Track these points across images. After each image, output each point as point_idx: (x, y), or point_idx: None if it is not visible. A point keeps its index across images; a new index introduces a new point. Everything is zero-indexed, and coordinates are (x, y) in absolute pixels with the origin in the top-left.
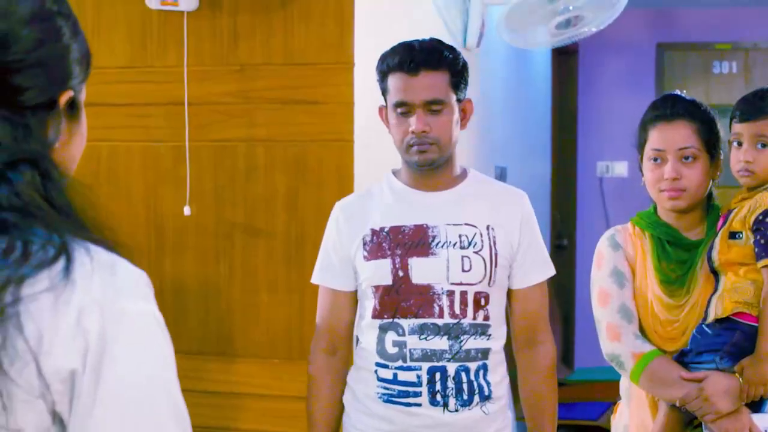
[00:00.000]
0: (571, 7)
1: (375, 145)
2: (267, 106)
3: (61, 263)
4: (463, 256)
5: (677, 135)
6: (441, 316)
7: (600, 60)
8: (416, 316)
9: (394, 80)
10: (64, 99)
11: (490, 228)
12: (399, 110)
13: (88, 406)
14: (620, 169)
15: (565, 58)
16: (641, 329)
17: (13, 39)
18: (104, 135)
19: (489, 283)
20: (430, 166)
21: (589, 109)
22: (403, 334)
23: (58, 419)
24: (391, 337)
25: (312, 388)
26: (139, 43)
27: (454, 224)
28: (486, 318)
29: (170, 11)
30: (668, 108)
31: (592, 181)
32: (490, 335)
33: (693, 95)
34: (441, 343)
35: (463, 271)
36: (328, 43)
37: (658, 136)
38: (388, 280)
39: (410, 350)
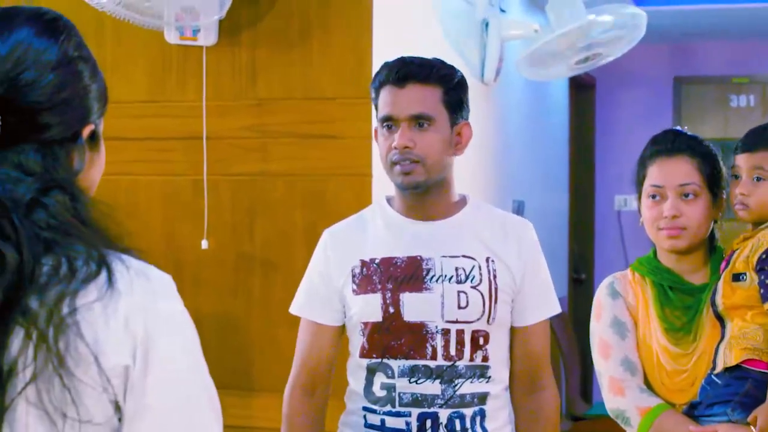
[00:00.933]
0: (591, 46)
1: None
2: (285, 141)
3: (104, 275)
4: (459, 292)
5: (677, 170)
6: (434, 357)
7: (617, 94)
8: (407, 357)
9: (383, 94)
10: (86, 132)
11: (490, 260)
12: (385, 125)
13: (140, 395)
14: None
15: (582, 91)
16: (646, 382)
17: (40, 83)
18: (123, 169)
19: (488, 321)
20: (415, 190)
21: (607, 142)
22: (393, 377)
23: (117, 408)
24: (379, 379)
25: (285, 430)
26: (159, 77)
27: (450, 256)
28: (485, 359)
29: (189, 46)
30: (668, 143)
31: (610, 214)
32: (489, 377)
33: (710, 129)
34: (433, 387)
35: (460, 307)
36: (346, 77)
37: (657, 172)
38: (377, 317)
39: (399, 394)
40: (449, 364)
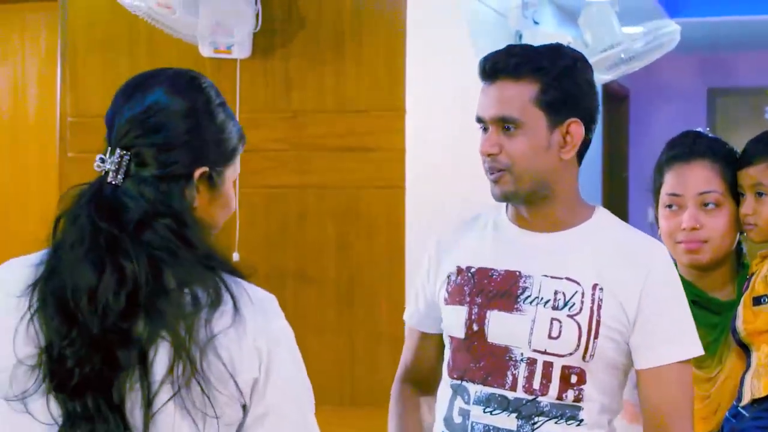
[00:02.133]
0: (624, 56)
1: (427, 191)
2: (318, 153)
3: (230, 302)
4: (553, 319)
5: (697, 177)
6: (513, 388)
7: (651, 106)
8: (484, 383)
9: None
10: (197, 173)
11: (598, 288)
12: (479, 126)
13: (262, 397)
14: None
15: (616, 104)
16: None
17: (167, 127)
18: None
19: (585, 357)
20: (507, 201)
21: (641, 154)
22: (468, 402)
23: (244, 408)
24: (458, 403)
25: (390, 418)
26: None
27: (552, 277)
28: (577, 399)
29: (223, 59)
30: (686, 146)
31: (643, 227)
32: (581, 421)
33: (745, 140)
34: (508, 421)
35: (550, 337)
36: (379, 90)
37: (674, 179)
38: (460, 333)
39: (473, 423)
40: (530, 398)
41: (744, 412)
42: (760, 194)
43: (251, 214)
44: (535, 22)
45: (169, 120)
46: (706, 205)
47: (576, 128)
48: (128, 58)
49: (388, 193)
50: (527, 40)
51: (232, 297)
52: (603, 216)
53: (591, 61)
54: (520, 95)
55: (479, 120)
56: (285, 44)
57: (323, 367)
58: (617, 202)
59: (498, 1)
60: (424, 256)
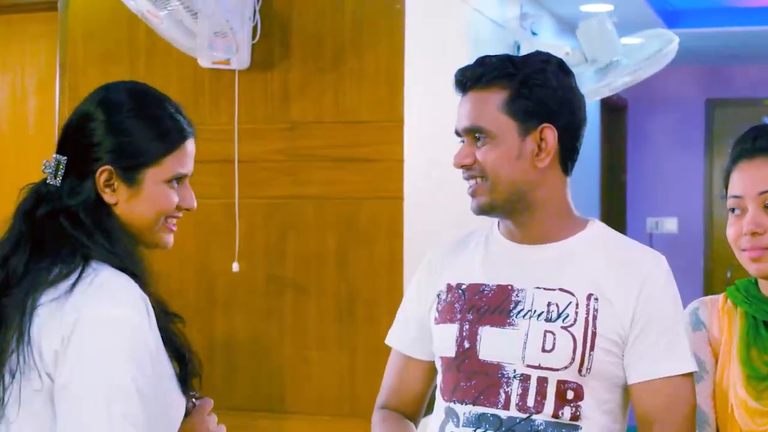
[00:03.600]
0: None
1: (426, 202)
2: (317, 164)
3: (72, 280)
4: (546, 332)
5: (758, 175)
6: (506, 407)
7: (649, 116)
8: (474, 403)
9: None
10: (99, 173)
11: (593, 298)
12: (459, 140)
13: (61, 373)
14: (670, 225)
15: (614, 113)
16: None
17: (67, 135)
18: None
19: (581, 371)
20: (485, 214)
21: (639, 164)
22: (458, 425)
23: (51, 379)
24: (449, 427)
25: None
26: (191, 101)
27: (545, 288)
28: (575, 417)
29: (222, 69)
30: (748, 142)
31: (641, 237)
32: None
33: None
34: None
35: (544, 350)
36: (378, 101)
37: (736, 180)
38: (451, 351)
39: None
40: (524, 416)
41: None
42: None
43: (250, 224)
44: (534, 33)
45: (70, 128)
46: None
47: (550, 134)
48: (128, 69)
49: (387, 204)
50: (525, 50)
51: (78, 278)
52: (598, 228)
53: (590, 86)
54: (488, 104)
55: (456, 133)
56: (284, 56)
57: (322, 378)
58: (615, 212)
59: (497, 12)
60: (414, 277)
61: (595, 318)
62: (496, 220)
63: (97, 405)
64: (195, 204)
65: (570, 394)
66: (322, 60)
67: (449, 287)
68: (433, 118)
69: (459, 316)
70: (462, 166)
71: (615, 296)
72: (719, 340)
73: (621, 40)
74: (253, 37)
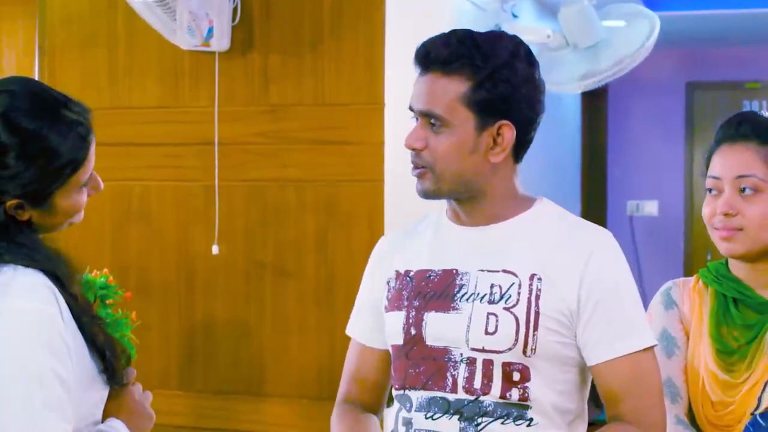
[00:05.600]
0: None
1: (406, 185)
2: (298, 147)
3: None
4: (489, 313)
5: (736, 160)
6: (454, 390)
7: (629, 99)
8: (424, 388)
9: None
10: (8, 205)
11: (536, 278)
12: (411, 116)
13: None
14: (650, 208)
15: (594, 97)
16: (690, 411)
17: None
18: (136, 174)
19: (525, 352)
20: (427, 198)
21: (619, 148)
22: (410, 410)
23: None
24: (402, 413)
25: None
26: (171, 83)
27: (488, 270)
28: (523, 398)
29: (202, 52)
30: (732, 128)
31: (622, 220)
32: (531, 421)
33: None
34: (450, 424)
35: (487, 333)
36: (358, 84)
37: (716, 162)
38: (399, 339)
39: (416, 431)
40: (471, 398)
41: (762, 421)
42: (745, 189)
43: (230, 207)
44: (515, 16)
45: None
46: (743, 190)
47: (507, 131)
48: (107, 53)
49: (367, 186)
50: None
51: None
52: (544, 206)
53: (568, 56)
54: (447, 92)
55: (410, 109)
56: (264, 38)
57: (302, 361)
58: (595, 195)
59: None
60: (367, 266)
61: (538, 298)
62: (445, 204)
63: (14, 396)
64: (102, 186)
65: (516, 376)
66: (303, 43)
67: (398, 274)
68: None
69: (406, 303)
70: (413, 149)
71: (558, 275)
72: (689, 318)
73: (603, 23)
74: (233, 20)
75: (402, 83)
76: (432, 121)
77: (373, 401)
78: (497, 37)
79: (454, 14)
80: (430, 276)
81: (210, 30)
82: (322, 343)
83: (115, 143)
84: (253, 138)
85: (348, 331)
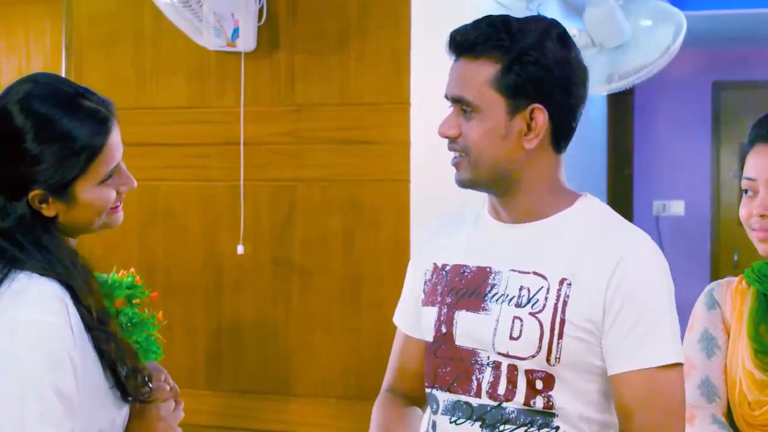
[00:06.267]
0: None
1: (431, 184)
2: (323, 146)
3: None
4: (515, 317)
5: None
6: (477, 394)
7: (656, 99)
8: (450, 390)
9: None
10: (32, 195)
11: (565, 283)
12: (448, 105)
13: None
14: (677, 207)
15: (620, 97)
16: (729, 411)
17: (16, 160)
18: (162, 174)
19: (549, 360)
20: (465, 188)
21: (645, 148)
22: (437, 412)
23: None
24: (430, 414)
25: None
26: (197, 83)
27: (519, 271)
28: (548, 406)
29: (228, 52)
30: (764, 127)
31: (648, 220)
32: (556, 430)
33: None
34: (472, 431)
35: (511, 337)
36: (384, 83)
37: (750, 162)
38: (430, 336)
39: None
40: (494, 404)
41: None
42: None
43: (256, 207)
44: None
45: None
46: None
47: (540, 115)
48: (133, 53)
49: (393, 186)
50: None
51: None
52: (586, 204)
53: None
54: (477, 76)
55: (446, 97)
56: (289, 38)
57: (328, 361)
58: (622, 194)
59: None
60: (412, 255)
61: (565, 304)
62: (487, 197)
63: (9, 409)
64: (134, 184)
65: (539, 384)
66: (328, 42)
67: (435, 267)
68: (439, 99)
69: (439, 299)
70: (446, 137)
71: (588, 280)
72: (730, 318)
73: (628, 21)
74: (259, 20)
75: (428, 82)
76: (464, 107)
77: (417, 391)
78: (530, 19)
79: (480, 13)
80: (464, 272)
81: (236, 30)
82: (349, 342)
83: (140, 143)
84: (278, 138)
85: (394, 319)
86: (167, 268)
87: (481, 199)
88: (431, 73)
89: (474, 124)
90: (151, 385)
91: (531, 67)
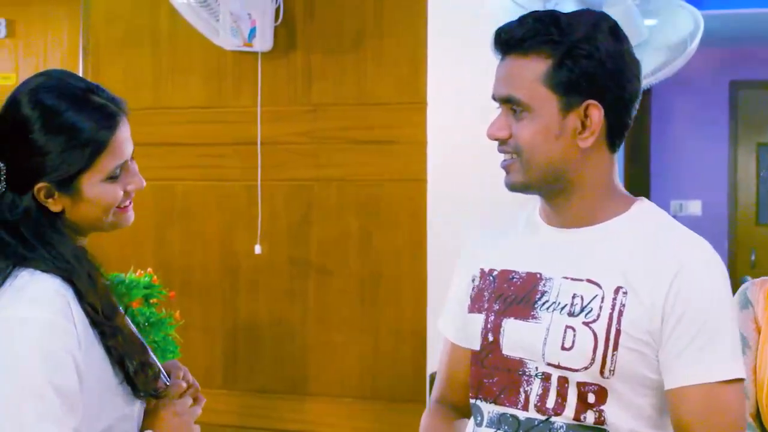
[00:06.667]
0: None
1: (448, 184)
2: (340, 146)
3: None
4: (567, 327)
5: None
6: (525, 407)
7: (673, 98)
8: (496, 401)
9: None
10: (37, 188)
11: (621, 292)
12: (496, 106)
13: None
14: (694, 207)
15: None
16: (758, 413)
17: (22, 152)
18: (179, 174)
19: (603, 372)
20: (516, 191)
21: (662, 147)
22: (481, 425)
23: None
24: (473, 426)
25: None
26: (214, 83)
27: (572, 278)
28: (600, 421)
29: (245, 52)
30: None
31: None
32: None
33: (766, 134)
34: None
35: (563, 348)
36: (401, 83)
37: None
38: (476, 344)
39: None
40: (542, 418)
41: None
42: None
43: (272, 207)
44: None
45: (4, 135)
46: None
47: (595, 112)
48: (150, 53)
49: (410, 185)
50: None
51: (2, 283)
52: (642, 209)
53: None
54: (527, 74)
55: (493, 98)
56: (306, 38)
57: (345, 360)
58: (639, 194)
59: None
60: (458, 261)
61: (620, 314)
62: (539, 200)
63: (8, 408)
64: (143, 184)
65: (591, 398)
66: (345, 42)
67: (482, 272)
68: (456, 99)
69: (486, 305)
70: (495, 139)
71: (645, 289)
72: (762, 318)
73: (645, 21)
74: (276, 20)
75: (444, 82)
76: (513, 107)
77: (466, 402)
78: (578, 12)
79: (496, 13)
80: (513, 278)
81: (252, 30)
82: (365, 341)
83: (157, 143)
84: (295, 137)
85: (440, 328)
86: (184, 267)
87: (490, 206)
88: (448, 72)
89: (525, 123)
90: (166, 380)
91: (584, 61)
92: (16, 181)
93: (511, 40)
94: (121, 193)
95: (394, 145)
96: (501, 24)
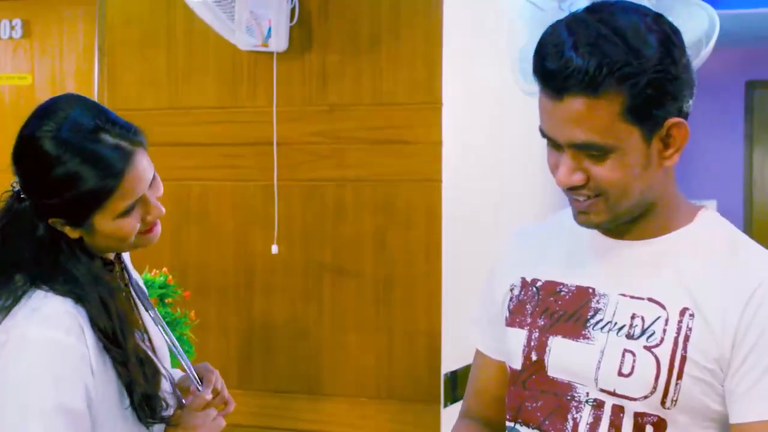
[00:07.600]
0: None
1: (464, 185)
2: (355, 146)
3: (8, 303)
4: (626, 350)
5: None
6: None
7: None
8: (540, 428)
9: (539, 96)
10: (51, 221)
11: (687, 314)
12: (546, 138)
13: None
14: (709, 207)
15: None
16: None
17: (20, 175)
18: (195, 174)
19: (664, 403)
20: (598, 228)
21: None
22: None
23: None
24: None
25: None
26: (230, 83)
27: (631, 297)
28: None
29: (260, 52)
30: None
31: None
32: None
33: None
34: None
35: (621, 374)
36: (416, 83)
37: None
38: (517, 363)
39: None
40: None
41: None
42: None
43: (288, 207)
44: None
45: (24, 166)
46: None
47: (678, 130)
48: (166, 53)
49: (426, 186)
50: None
51: (17, 302)
52: (708, 220)
53: None
54: (604, 114)
55: (543, 135)
56: (321, 37)
57: (360, 361)
58: None
59: None
60: (491, 264)
61: (687, 339)
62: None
63: (13, 427)
64: (162, 211)
65: (649, 429)
66: (360, 42)
67: (524, 282)
68: (471, 99)
69: (529, 320)
70: (571, 187)
71: (714, 312)
72: None
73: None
74: (291, 20)
75: (460, 82)
76: (590, 153)
77: (497, 417)
78: (634, 27)
79: (512, 13)
80: (560, 291)
81: (269, 30)
82: (381, 342)
83: (173, 143)
84: (310, 138)
85: (472, 339)
86: (200, 267)
87: (508, 205)
88: (463, 72)
89: (610, 164)
90: (198, 384)
91: (666, 84)
92: (34, 207)
93: (573, 78)
94: (138, 225)
95: (409, 145)
96: (535, 45)
